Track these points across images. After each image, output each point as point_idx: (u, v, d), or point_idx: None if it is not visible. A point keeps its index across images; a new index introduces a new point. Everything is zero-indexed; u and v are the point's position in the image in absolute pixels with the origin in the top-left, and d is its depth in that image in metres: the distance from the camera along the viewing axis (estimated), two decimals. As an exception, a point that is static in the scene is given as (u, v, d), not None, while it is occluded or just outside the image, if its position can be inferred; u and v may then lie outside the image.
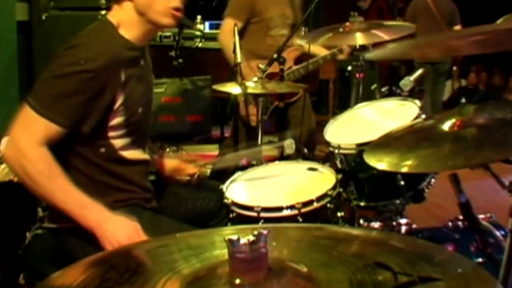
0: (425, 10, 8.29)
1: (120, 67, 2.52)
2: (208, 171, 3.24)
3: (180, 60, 5.60)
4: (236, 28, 3.89)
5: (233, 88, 3.56)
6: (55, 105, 2.38)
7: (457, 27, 8.39)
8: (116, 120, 2.56)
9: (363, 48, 3.93)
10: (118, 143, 2.61)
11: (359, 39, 3.49)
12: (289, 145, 3.32)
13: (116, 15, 2.62)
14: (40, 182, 2.34)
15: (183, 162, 3.16)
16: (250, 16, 4.86)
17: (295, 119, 4.96)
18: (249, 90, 3.52)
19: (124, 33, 2.60)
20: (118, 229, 2.35)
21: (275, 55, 3.92)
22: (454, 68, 9.90)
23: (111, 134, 2.58)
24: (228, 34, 4.46)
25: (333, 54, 4.93)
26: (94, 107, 2.45)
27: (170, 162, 3.14)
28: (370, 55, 3.18)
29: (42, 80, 2.45)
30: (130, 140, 2.65)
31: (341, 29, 3.57)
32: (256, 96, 3.71)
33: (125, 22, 2.61)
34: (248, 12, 4.84)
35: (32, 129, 2.37)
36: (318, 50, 5.11)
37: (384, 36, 3.44)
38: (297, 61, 4.96)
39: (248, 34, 4.91)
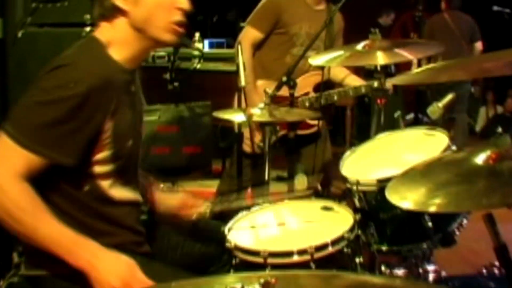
0: (443, 27, 8.48)
1: (112, 91, 2.52)
2: (208, 211, 3.23)
3: (176, 84, 5.63)
4: (240, 48, 3.92)
5: (236, 116, 3.57)
6: (40, 135, 2.36)
7: (478, 44, 8.58)
8: (103, 154, 2.55)
9: (385, 68, 3.93)
10: (104, 180, 2.61)
11: (381, 58, 3.43)
12: (301, 180, 3.32)
13: (105, 33, 2.61)
14: (23, 221, 2.32)
15: (189, 198, 3.17)
16: (274, 27, 4.90)
17: (307, 151, 4.95)
18: (255, 118, 3.52)
19: (114, 54, 2.60)
20: (112, 270, 2.35)
21: (284, 78, 3.92)
22: (472, 89, 9.97)
23: (96, 169, 2.57)
24: (247, 48, 4.58)
25: (371, 87, 4.77)
26: (82, 136, 2.44)
27: (172, 197, 3.15)
28: (394, 80, 3.17)
29: (24, 106, 2.44)
30: (118, 177, 2.65)
31: (360, 48, 3.57)
32: (262, 124, 3.72)
33: (117, 40, 2.60)
34: (273, 22, 4.86)
35: (11, 162, 2.34)
36: (341, 73, 5.11)
37: (408, 55, 3.41)
38: (318, 88, 4.91)
39: (267, 46, 4.95)
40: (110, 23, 2.61)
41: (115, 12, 2.59)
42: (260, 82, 4.78)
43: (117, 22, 2.60)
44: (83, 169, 2.54)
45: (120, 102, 2.56)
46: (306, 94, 4.95)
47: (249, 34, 4.90)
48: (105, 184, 2.61)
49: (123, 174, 2.67)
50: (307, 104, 4.87)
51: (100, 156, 2.55)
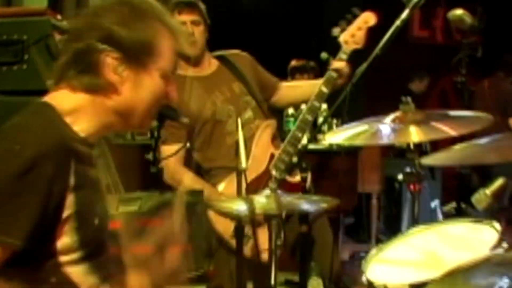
0: (480, 95, 8.64)
1: (70, 159, 2.49)
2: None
3: (161, 166, 5.65)
4: (239, 123, 3.94)
5: (236, 205, 3.56)
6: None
7: None
8: (69, 238, 2.51)
9: (419, 146, 3.90)
10: (72, 270, 2.57)
11: (415, 135, 3.45)
12: (315, 285, 3.32)
13: (62, 100, 2.61)
14: None
15: None
16: (193, 126, 4.97)
17: (317, 244, 4.83)
18: (259, 209, 3.50)
19: (73, 123, 2.59)
20: None
21: (294, 159, 3.92)
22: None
23: (62, 259, 2.54)
24: (175, 167, 4.83)
25: (329, 79, 4.73)
26: (32, 212, 2.39)
27: None
28: (429, 159, 3.17)
29: None
30: (88, 265, 2.63)
31: (389, 122, 3.55)
32: (267, 217, 3.70)
33: (78, 110, 2.60)
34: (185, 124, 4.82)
35: None
36: (290, 91, 5.32)
37: (449, 130, 3.37)
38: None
39: (199, 140, 5.05)
40: (74, 91, 2.62)
41: (99, 88, 2.62)
42: (221, 187, 4.80)
43: (85, 95, 2.62)
44: (48, 258, 2.50)
45: (82, 175, 2.55)
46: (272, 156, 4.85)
47: (170, 152, 4.92)
48: (74, 275, 2.59)
49: (94, 261, 2.65)
50: (282, 166, 4.70)
51: (66, 240, 2.51)
